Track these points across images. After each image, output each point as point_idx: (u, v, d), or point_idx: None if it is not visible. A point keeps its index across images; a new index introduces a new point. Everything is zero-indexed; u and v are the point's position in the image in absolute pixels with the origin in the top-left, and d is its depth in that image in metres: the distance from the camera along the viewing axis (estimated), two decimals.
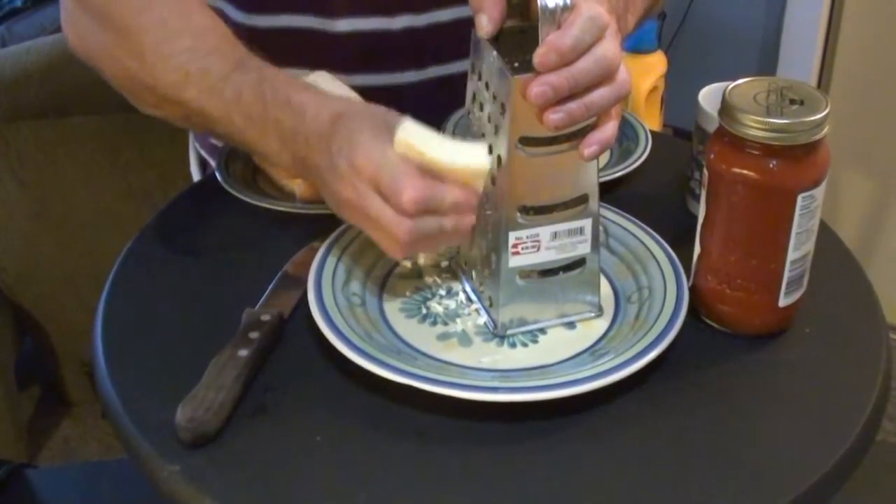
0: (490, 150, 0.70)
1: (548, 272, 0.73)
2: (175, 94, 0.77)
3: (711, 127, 0.72)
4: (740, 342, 0.74)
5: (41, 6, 2.04)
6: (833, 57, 1.96)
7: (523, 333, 0.74)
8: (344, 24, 0.96)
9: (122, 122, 1.58)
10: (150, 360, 0.73)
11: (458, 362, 0.71)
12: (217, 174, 0.93)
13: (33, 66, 1.50)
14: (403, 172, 0.66)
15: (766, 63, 2.16)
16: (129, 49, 0.79)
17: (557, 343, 0.74)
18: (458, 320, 0.76)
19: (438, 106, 0.91)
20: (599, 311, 0.76)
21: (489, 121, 0.70)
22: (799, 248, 0.71)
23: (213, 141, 1.09)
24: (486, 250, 0.74)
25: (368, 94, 0.83)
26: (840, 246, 0.85)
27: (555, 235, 0.72)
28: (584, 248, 0.73)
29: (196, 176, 1.16)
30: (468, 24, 0.69)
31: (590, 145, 0.68)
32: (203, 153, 1.12)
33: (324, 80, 0.84)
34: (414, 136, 0.67)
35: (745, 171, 0.69)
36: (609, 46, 0.66)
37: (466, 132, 0.74)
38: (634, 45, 1.98)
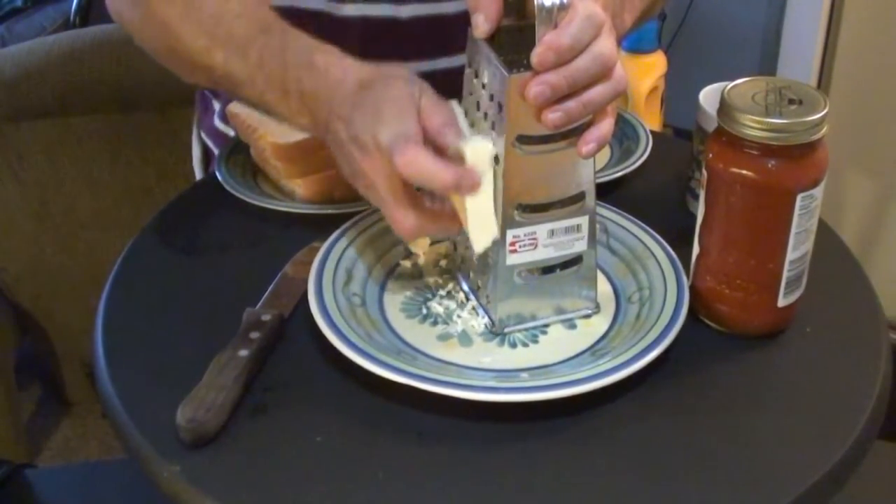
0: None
1: (545, 269, 0.74)
2: (203, 59, 0.79)
3: (711, 127, 0.72)
4: (739, 342, 0.74)
5: (41, 6, 2.04)
6: (833, 57, 1.95)
7: (524, 333, 0.74)
8: (351, 9, 0.96)
9: (122, 122, 1.58)
10: (150, 360, 0.73)
11: (459, 362, 0.71)
12: (217, 174, 0.93)
13: (33, 66, 1.49)
14: (410, 139, 0.66)
15: (766, 63, 2.16)
16: (155, 22, 0.82)
17: (558, 343, 0.74)
18: (458, 320, 0.76)
19: (447, 98, 0.92)
20: (596, 308, 0.76)
21: (486, 119, 0.70)
22: (798, 247, 0.71)
23: (218, 126, 1.09)
24: None
25: None
26: (840, 246, 0.85)
27: (552, 233, 0.72)
28: (580, 246, 0.73)
29: (197, 168, 1.17)
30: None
31: (587, 143, 0.68)
32: (208, 141, 1.13)
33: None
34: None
35: (743, 171, 0.69)
36: (605, 44, 0.66)
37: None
38: (634, 45, 1.98)
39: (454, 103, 0.70)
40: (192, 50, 0.80)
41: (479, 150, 0.67)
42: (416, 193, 0.70)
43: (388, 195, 0.69)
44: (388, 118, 0.67)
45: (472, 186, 0.67)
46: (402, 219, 0.69)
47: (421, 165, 0.66)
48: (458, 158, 0.67)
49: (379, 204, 0.70)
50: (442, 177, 0.66)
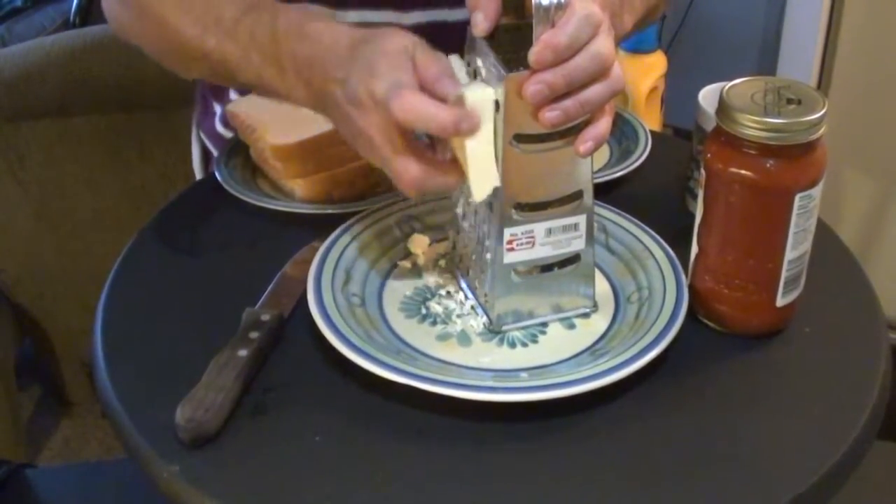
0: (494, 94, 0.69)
1: (543, 268, 0.74)
2: (198, 47, 0.80)
3: (711, 127, 0.72)
4: (738, 342, 0.74)
5: (41, 6, 2.04)
6: (833, 57, 1.95)
7: (523, 333, 0.74)
8: (353, 15, 0.96)
9: (122, 122, 1.58)
10: (150, 360, 0.73)
11: (458, 362, 0.71)
12: (216, 174, 0.93)
13: (33, 66, 1.50)
14: (406, 87, 0.66)
15: (766, 63, 2.16)
16: (151, 19, 0.83)
17: (557, 343, 0.74)
18: (457, 320, 0.76)
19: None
20: (595, 306, 0.76)
21: None
22: (796, 247, 0.71)
23: (219, 129, 1.09)
24: (480, 247, 0.74)
25: None
26: (839, 245, 0.85)
27: (549, 232, 0.72)
28: (578, 244, 0.73)
29: (198, 170, 1.17)
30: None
31: (585, 141, 0.68)
32: (208, 143, 1.13)
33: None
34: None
35: (742, 171, 0.69)
36: (603, 43, 0.66)
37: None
38: (634, 45, 1.98)
39: (454, 57, 0.70)
40: (186, 40, 0.80)
41: (480, 96, 0.67)
42: (416, 144, 0.69)
43: (388, 147, 0.68)
44: (383, 72, 0.67)
45: (472, 127, 0.66)
46: (405, 169, 0.68)
47: (418, 108, 0.65)
48: (458, 107, 0.67)
49: (381, 162, 0.70)
50: (441, 117, 0.65)
